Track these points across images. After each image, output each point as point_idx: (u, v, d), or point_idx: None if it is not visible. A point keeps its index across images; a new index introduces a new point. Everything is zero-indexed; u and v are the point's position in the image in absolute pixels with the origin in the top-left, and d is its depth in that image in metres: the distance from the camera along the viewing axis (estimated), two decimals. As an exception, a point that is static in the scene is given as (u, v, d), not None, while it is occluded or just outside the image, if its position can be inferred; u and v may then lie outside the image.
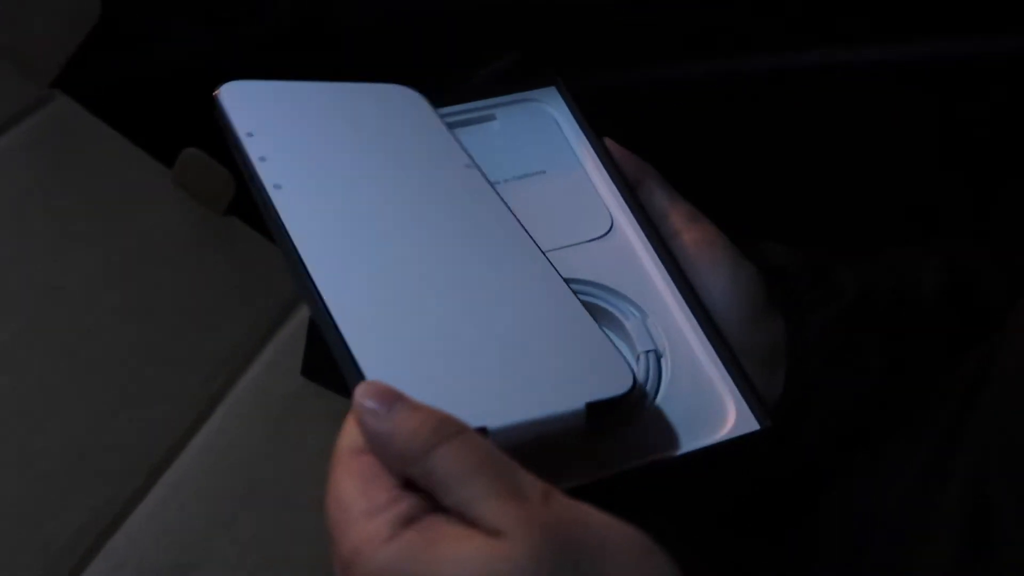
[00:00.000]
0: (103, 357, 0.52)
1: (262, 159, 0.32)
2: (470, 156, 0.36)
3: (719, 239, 0.37)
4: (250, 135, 0.33)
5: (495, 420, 0.27)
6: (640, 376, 0.34)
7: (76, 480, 0.47)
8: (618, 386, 0.30)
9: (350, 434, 0.26)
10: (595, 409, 0.29)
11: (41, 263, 0.54)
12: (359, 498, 0.24)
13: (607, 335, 0.32)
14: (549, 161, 0.39)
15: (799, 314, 0.37)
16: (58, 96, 0.61)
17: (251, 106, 0.34)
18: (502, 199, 0.35)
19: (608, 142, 0.40)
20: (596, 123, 0.41)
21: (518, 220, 0.34)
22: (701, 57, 0.74)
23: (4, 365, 0.49)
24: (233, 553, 0.47)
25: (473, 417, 0.26)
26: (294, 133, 0.34)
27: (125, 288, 0.55)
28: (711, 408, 0.33)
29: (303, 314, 0.58)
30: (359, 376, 0.27)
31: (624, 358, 0.31)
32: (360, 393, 0.25)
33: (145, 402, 0.51)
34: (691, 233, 0.37)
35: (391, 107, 0.37)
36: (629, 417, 0.33)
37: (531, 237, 0.34)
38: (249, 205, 0.60)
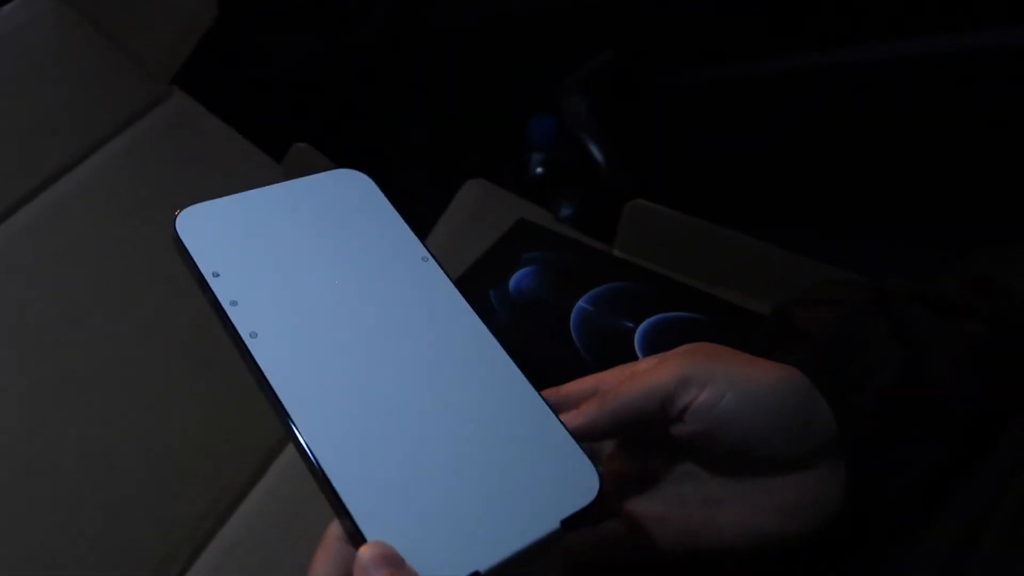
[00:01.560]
0: (220, 349, 0.54)
1: (233, 303, 0.32)
2: (424, 246, 0.37)
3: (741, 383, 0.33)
4: (216, 275, 0.33)
5: (483, 562, 0.29)
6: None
7: (196, 466, 0.50)
8: (587, 494, 0.31)
9: (322, 567, 0.29)
10: (570, 522, 0.30)
11: (161, 256, 0.58)
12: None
13: (569, 435, 0.33)
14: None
15: (843, 397, 0.33)
16: (176, 93, 0.64)
17: (209, 235, 0.34)
18: (459, 291, 0.35)
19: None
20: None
21: (476, 315, 0.35)
22: (768, 56, 0.72)
23: (129, 357, 0.53)
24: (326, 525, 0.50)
25: (463, 564, 0.28)
26: (256, 262, 0.34)
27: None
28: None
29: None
30: (352, 525, 0.29)
31: (588, 459, 0.32)
32: (367, 558, 0.27)
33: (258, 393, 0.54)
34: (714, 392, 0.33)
35: (344, 200, 0.37)
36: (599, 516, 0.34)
37: (492, 333, 0.34)
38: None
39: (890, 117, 0.71)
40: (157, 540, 0.47)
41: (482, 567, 0.29)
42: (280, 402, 0.31)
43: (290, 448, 0.52)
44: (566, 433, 0.32)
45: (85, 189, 0.58)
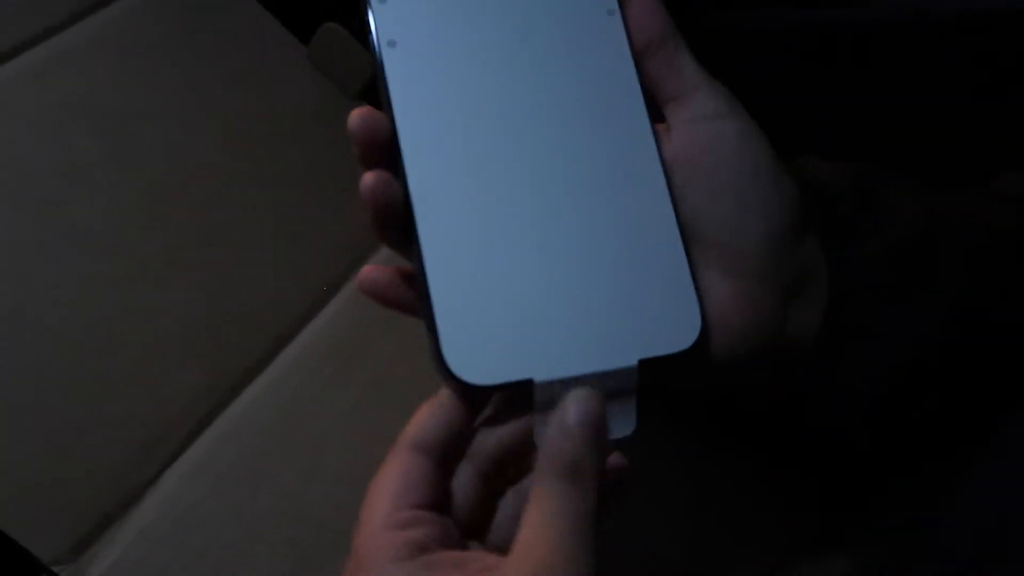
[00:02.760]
0: (229, 225, 0.52)
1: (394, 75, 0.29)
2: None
3: (760, 137, 0.30)
4: (391, 44, 0.30)
5: (540, 373, 0.27)
6: None
7: (198, 344, 0.47)
8: (680, 342, 0.28)
9: (416, 427, 0.28)
10: (648, 365, 0.28)
11: (172, 123, 0.54)
12: (388, 503, 0.26)
13: (691, 271, 0.29)
14: None
15: (844, 245, 0.31)
16: (199, -45, 0.60)
17: None
18: (635, 62, 0.31)
19: None
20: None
21: (645, 97, 0.31)
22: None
23: (132, 221, 0.49)
24: (333, 427, 0.47)
25: (520, 367, 0.27)
26: (436, 27, 0.30)
27: (253, 159, 0.54)
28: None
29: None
30: (429, 303, 0.27)
31: (698, 308, 0.29)
32: (573, 415, 0.26)
33: (269, 275, 0.51)
34: (729, 122, 0.30)
35: None
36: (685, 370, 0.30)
37: (650, 123, 0.30)
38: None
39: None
40: (152, 416, 0.44)
41: (538, 377, 0.27)
42: (396, 132, 0.28)
43: (298, 339, 0.49)
44: (686, 266, 0.29)
45: (96, 42, 0.53)
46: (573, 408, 0.25)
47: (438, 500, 0.27)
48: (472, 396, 0.28)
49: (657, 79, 0.30)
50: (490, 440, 0.28)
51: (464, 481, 0.28)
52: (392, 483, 0.27)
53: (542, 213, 0.28)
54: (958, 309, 0.32)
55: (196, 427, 0.45)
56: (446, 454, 0.28)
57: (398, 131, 0.28)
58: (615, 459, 0.29)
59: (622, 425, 0.28)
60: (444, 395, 0.29)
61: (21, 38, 0.51)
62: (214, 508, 0.43)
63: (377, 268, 0.30)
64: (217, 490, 0.43)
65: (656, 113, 0.31)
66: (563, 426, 0.25)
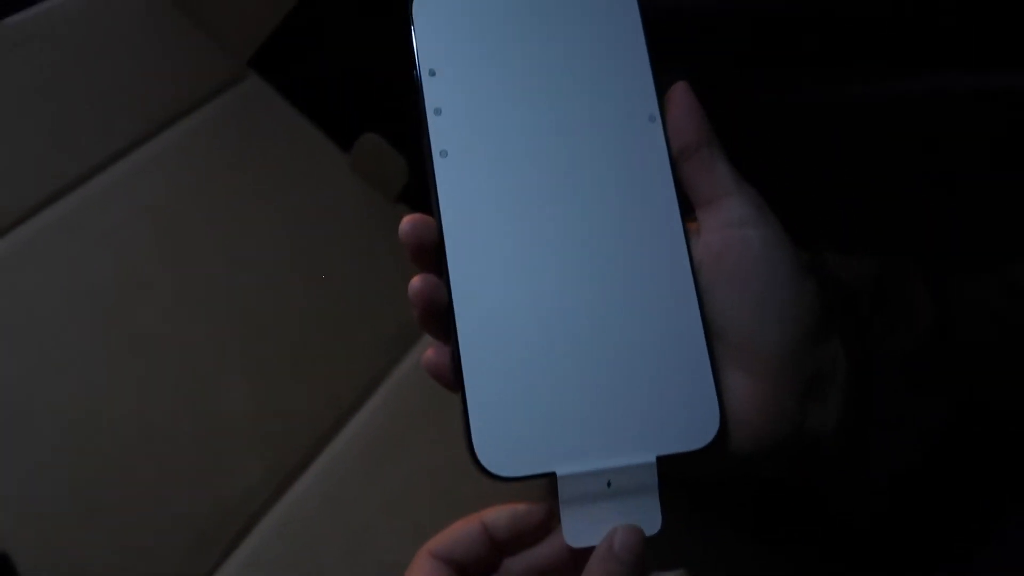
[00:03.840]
0: (278, 325, 0.55)
1: (436, 111, 0.31)
2: (657, 99, 0.33)
3: (787, 245, 0.31)
4: (432, 74, 0.31)
5: (563, 467, 0.28)
6: None
7: (249, 443, 0.50)
8: (697, 439, 0.30)
9: (447, 539, 0.30)
10: (666, 461, 0.29)
11: (226, 230, 0.58)
12: None
13: (713, 370, 0.30)
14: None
15: (863, 343, 0.32)
16: (251, 75, 0.65)
17: (439, 21, 0.32)
18: (671, 167, 0.32)
19: (681, 89, 0.33)
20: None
21: (679, 200, 0.32)
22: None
23: (189, 325, 0.53)
24: (375, 519, 0.50)
25: (544, 460, 0.28)
26: (476, 64, 0.32)
27: (300, 262, 0.58)
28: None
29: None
30: (463, 397, 0.29)
31: (717, 405, 0.30)
32: (620, 543, 0.28)
33: (315, 372, 0.54)
34: (757, 230, 0.31)
35: (592, 16, 0.33)
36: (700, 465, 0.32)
37: (683, 227, 0.32)
38: (419, 193, 0.63)
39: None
40: (206, 513, 0.47)
41: (560, 471, 0.28)
42: (443, 237, 0.30)
43: (343, 433, 0.52)
44: (708, 365, 0.30)
45: (158, 161, 0.58)
46: (618, 538, 0.28)
47: None
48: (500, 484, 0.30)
49: (691, 182, 0.32)
50: (522, 562, 0.30)
51: None
52: None
53: (574, 312, 0.30)
54: (970, 403, 0.33)
55: (249, 521, 0.48)
56: (472, 570, 0.30)
57: (444, 235, 0.30)
58: None
59: (648, 523, 0.29)
60: (483, 517, 0.30)
61: (92, 162, 0.56)
62: (265, 600, 0.45)
63: (437, 351, 0.31)
64: (268, 582, 0.46)
65: (688, 212, 0.33)
66: (607, 554, 0.28)
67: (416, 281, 0.30)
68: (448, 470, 0.51)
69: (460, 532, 0.30)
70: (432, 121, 0.31)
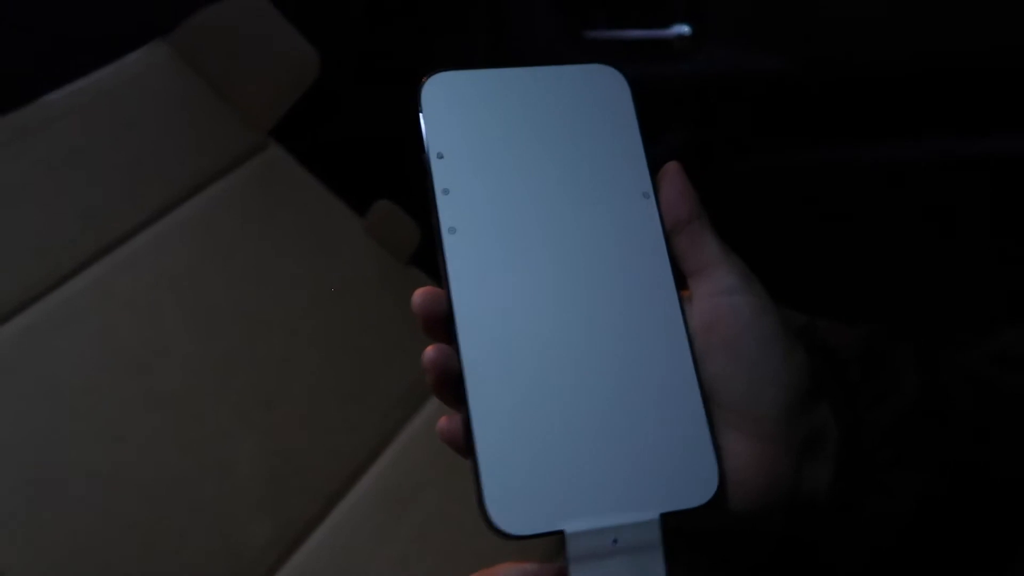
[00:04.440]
0: (293, 385, 0.58)
1: (445, 192, 0.33)
2: (650, 177, 0.35)
3: (773, 311, 0.33)
4: (440, 157, 0.34)
5: (572, 524, 0.30)
6: None
7: (266, 498, 0.53)
8: (699, 496, 0.31)
9: None
10: (669, 518, 0.31)
11: (246, 294, 0.61)
12: None
13: (711, 431, 0.32)
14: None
15: (853, 410, 0.34)
16: (272, 145, 0.68)
17: (446, 109, 0.34)
18: (665, 240, 0.35)
19: (674, 169, 0.35)
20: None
21: (673, 272, 0.34)
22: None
23: (210, 385, 0.56)
24: (385, 573, 0.51)
25: (553, 518, 0.30)
26: (481, 150, 0.34)
27: (317, 322, 0.61)
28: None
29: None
30: (475, 459, 0.30)
31: (715, 462, 0.32)
32: None
33: (328, 430, 0.56)
34: (745, 297, 0.33)
35: (588, 102, 0.36)
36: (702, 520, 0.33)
37: (678, 296, 0.34)
38: (430, 257, 0.66)
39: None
40: (223, 567, 0.49)
41: (569, 528, 0.30)
42: (452, 309, 0.32)
43: (355, 489, 0.54)
44: (706, 426, 0.32)
45: (183, 228, 0.61)
46: None
47: None
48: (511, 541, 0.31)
49: (683, 254, 0.34)
50: None
51: None
52: None
53: (579, 377, 0.32)
54: (959, 470, 0.34)
55: (264, 575, 0.50)
56: None
57: (453, 306, 0.32)
58: None
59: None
60: (495, 574, 0.32)
61: (121, 230, 0.59)
62: (278, 653, 0.47)
63: (450, 420, 0.33)
64: (280, 636, 0.48)
65: (681, 281, 0.35)
66: None
67: (430, 351, 0.31)
68: (457, 526, 0.53)
69: None
70: (441, 200, 0.33)
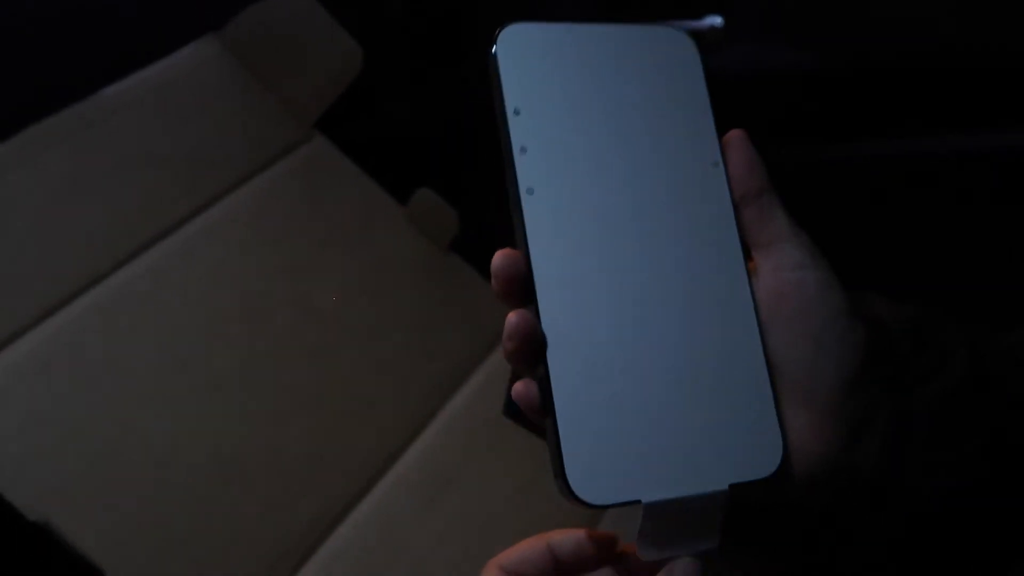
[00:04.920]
0: (341, 367, 0.60)
1: (522, 150, 0.32)
2: (720, 146, 0.35)
3: (838, 287, 0.33)
4: (516, 113, 0.33)
5: (647, 494, 0.30)
6: None
7: (314, 474, 0.55)
8: (766, 467, 0.32)
9: (516, 555, 0.32)
10: (738, 489, 0.31)
11: (295, 280, 0.64)
12: None
13: (776, 404, 0.33)
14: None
15: (903, 385, 0.34)
16: (317, 136, 0.71)
17: (522, 63, 0.33)
18: (733, 209, 0.34)
19: (740, 136, 0.35)
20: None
21: (741, 242, 0.34)
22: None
23: (261, 368, 0.59)
24: (428, 549, 0.54)
25: (630, 489, 0.31)
26: (556, 105, 0.33)
27: (362, 308, 0.64)
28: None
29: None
30: (555, 431, 0.31)
31: (780, 433, 0.32)
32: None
33: (373, 411, 0.59)
34: (811, 272, 0.33)
35: (664, 64, 0.35)
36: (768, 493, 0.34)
37: (745, 267, 0.34)
38: (469, 244, 0.68)
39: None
40: (273, 539, 0.52)
41: (646, 498, 0.30)
42: (532, 272, 0.32)
43: (397, 466, 0.57)
44: (771, 398, 0.33)
45: (235, 216, 0.64)
46: (680, 570, 0.31)
47: None
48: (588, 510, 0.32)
49: (750, 227, 0.34)
50: None
51: None
52: None
53: (652, 346, 0.32)
54: (1001, 449, 0.35)
55: (311, 547, 0.53)
56: None
57: (533, 270, 0.32)
58: None
59: (710, 542, 0.32)
60: (548, 538, 0.33)
61: (175, 218, 0.62)
62: (326, 620, 0.50)
63: (526, 384, 0.33)
64: (328, 604, 0.50)
65: (746, 254, 0.35)
66: None
67: (513, 317, 0.31)
68: (495, 505, 0.55)
69: (528, 550, 0.33)
70: (518, 159, 0.32)
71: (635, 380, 0.32)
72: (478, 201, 0.74)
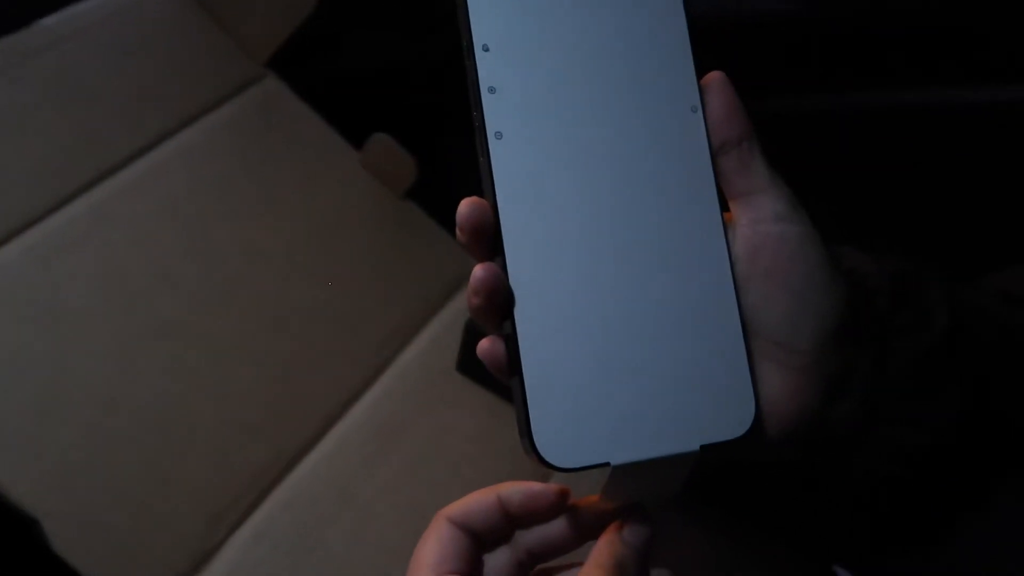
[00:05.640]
0: (292, 314, 0.59)
1: (491, 90, 0.31)
2: (699, 90, 0.33)
3: (819, 241, 0.32)
4: (485, 49, 0.31)
5: (616, 456, 0.30)
6: None
7: (262, 422, 0.54)
8: (737, 428, 0.31)
9: (464, 507, 0.31)
10: (709, 450, 0.31)
11: (245, 224, 0.62)
12: (427, 570, 0.30)
13: (749, 363, 0.32)
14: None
15: (881, 340, 0.34)
16: (269, 76, 0.68)
17: (493, 1, 0.31)
18: (712, 158, 0.33)
19: (721, 80, 0.33)
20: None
21: (718, 196, 0.33)
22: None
23: (209, 313, 0.57)
24: (375, 499, 0.53)
25: (598, 451, 0.30)
26: (527, 40, 0.31)
27: (313, 255, 0.62)
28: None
29: (463, 297, 0.64)
30: (522, 392, 0.30)
31: (752, 394, 0.32)
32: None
33: (324, 359, 0.58)
34: (792, 226, 0.32)
35: (639, 1, 0.33)
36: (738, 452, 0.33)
37: (722, 220, 0.33)
38: (426, 192, 0.67)
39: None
40: (219, 488, 0.51)
41: (615, 460, 0.30)
42: (500, 223, 0.30)
43: (347, 417, 0.56)
44: (744, 357, 0.32)
45: (181, 156, 0.62)
46: (628, 528, 0.31)
47: (474, 574, 0.31)
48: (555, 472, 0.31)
49: (728, 176, 0.32)
50: (533, 535, 0.32)
51: (500, 564, 0.32)
52: (432, 551, 0.31)
53: (624, 302, 0.31)
54: (973, 404, 0.35)
55: (258, 497, 0.52)
56: (485, 538, 0.32)
57: (501, 220, 0.30)
58: None
59: (671, 490, 0.32)
60: (498, 490, 0.32)
61: (120, 156, 0.60)
62: (272, 571, 0.49)
63: (492, 341, 0.32)
64: (275, 554, 0.50)
65: (723, 204, 0.33)
66: (620, 536, 0.31)
67: (479, 271, 0.30)
68: (447, 456, 0.55)
69: (477, 502, 0.32)
70: (486, 100, 0.30)
71: (605, 338, 0.30)
72: (438, 147, 0.73)
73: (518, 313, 0.30)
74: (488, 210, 0.30)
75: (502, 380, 0.31)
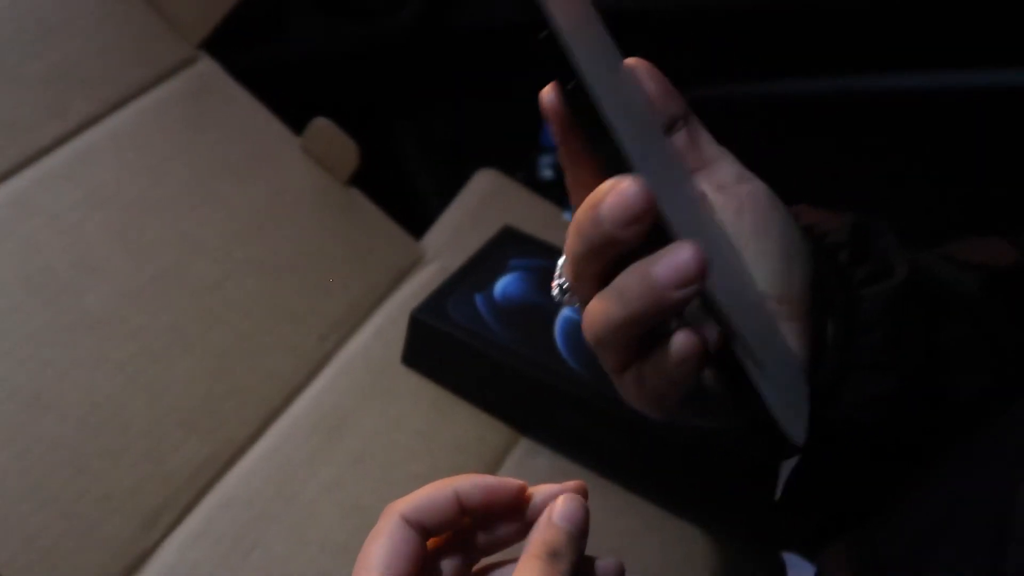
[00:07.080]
0: (229, 306, 0.57)
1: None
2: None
3: (774, 201, 0.33)
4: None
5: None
6: None
7: (199, 418, 0.52)
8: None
9: (414, 503, 0.30)
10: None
11: (179, 213, 0.59)
12: (377, 570, 0.29)
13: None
14: None
15: (847, 291, 0.35)
16: (203, 58, 0.66)
17: None
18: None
19: (642, 65, 0.33)
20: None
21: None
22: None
23: (141, 306, 0.54)
24: (318, 496, 0.52)
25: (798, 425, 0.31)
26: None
27: (252, 244, 0.60)
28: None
29: (409, 287, 0.62)
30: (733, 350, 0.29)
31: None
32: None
33: (264, 352, 0.55)
34: (755, 182, 0.33)
35: None
36: None
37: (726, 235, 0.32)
38: (370, 179, 0.65)
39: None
40: (154, 488, 0.49)
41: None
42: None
43: (289, 412, 0.54)
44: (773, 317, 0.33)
45: (111, 141, 0.59)
46: (560, 507, 0.30)
47: (424, 573, 0.30)
48: None
49: (682, 152, 0.33)
50: (481, 536, 0.32)
51: (451, 563, 0.31)
52: (382, 550, 0.30)
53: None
54: (930, 355, 0.37)
55: (195, 496, 0.50)
56: (436, 533, 0.31)
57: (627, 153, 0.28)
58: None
59: None
60: (455, 484, 0.31)
61: (42, 142, 0.57)
62: (210, 572, 0.47)
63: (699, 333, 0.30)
64: (214, 555, 0.48)
65: None
66: (550, 520, 0.30)
67: (630, 184, 0.27)
68: (393, 451, 0.53)
69: (430, 498, 0.31)
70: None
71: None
72: (381, 139, 0.71)
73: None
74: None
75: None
